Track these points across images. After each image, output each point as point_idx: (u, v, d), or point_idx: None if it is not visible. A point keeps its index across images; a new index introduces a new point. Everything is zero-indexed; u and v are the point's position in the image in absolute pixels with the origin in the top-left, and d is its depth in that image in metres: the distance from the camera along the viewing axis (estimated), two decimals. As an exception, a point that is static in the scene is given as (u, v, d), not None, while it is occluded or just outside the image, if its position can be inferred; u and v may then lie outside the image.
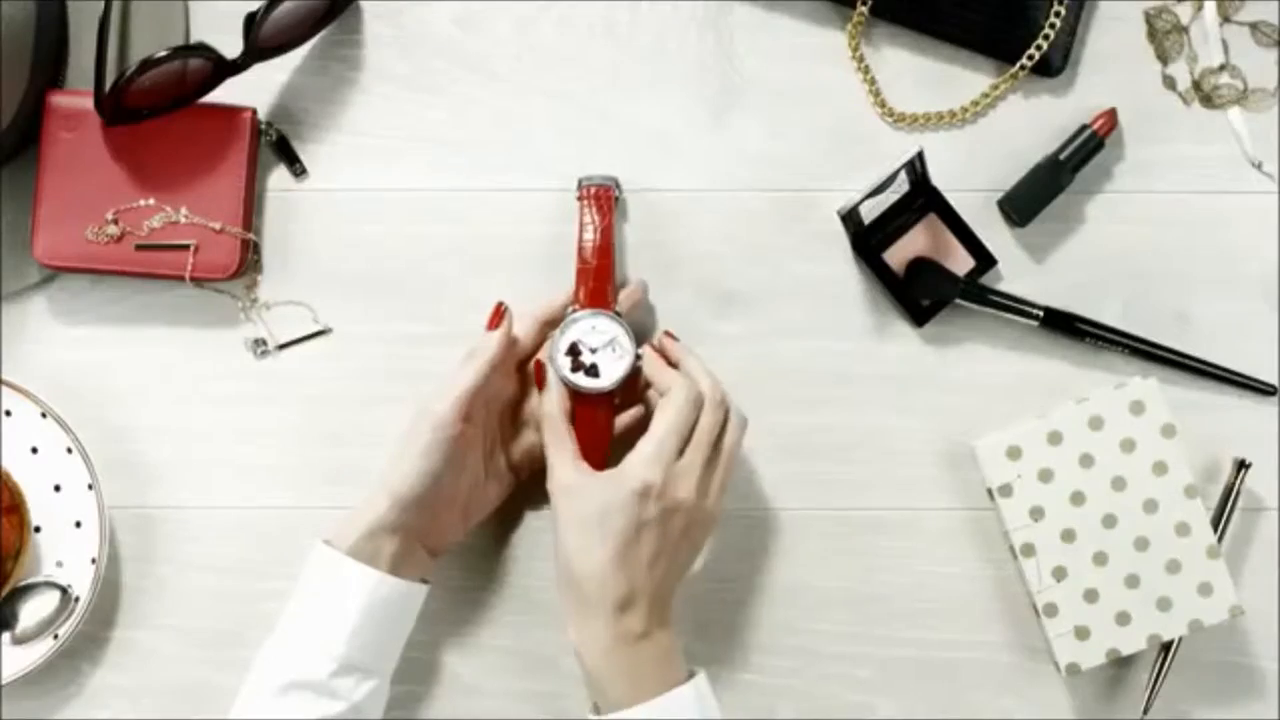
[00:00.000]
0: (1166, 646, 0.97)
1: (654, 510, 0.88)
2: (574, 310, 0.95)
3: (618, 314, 0.96)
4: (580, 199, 0.97)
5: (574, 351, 0.95)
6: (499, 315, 0.94)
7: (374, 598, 0.89)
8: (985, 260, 0.99)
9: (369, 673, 0.89)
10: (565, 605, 0.90)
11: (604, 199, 0.97)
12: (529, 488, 0.99)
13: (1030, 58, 0.99)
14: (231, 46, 0.95)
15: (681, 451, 0.90)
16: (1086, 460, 0.95)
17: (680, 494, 0.89)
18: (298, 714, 0.87)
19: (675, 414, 0.90)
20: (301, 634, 0.89)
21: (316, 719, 0.87)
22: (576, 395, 0.94)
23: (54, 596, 0.97)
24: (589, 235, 0.96)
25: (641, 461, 0.88)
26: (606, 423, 0.95)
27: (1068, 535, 0.95)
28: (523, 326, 0.96)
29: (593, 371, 0.95)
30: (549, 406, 0.93)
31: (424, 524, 0.91)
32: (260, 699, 0.88)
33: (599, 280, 0.95)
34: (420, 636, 0.94)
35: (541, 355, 0.96)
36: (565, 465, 0.91)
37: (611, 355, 0.94)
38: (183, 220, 0.98)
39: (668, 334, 0.96)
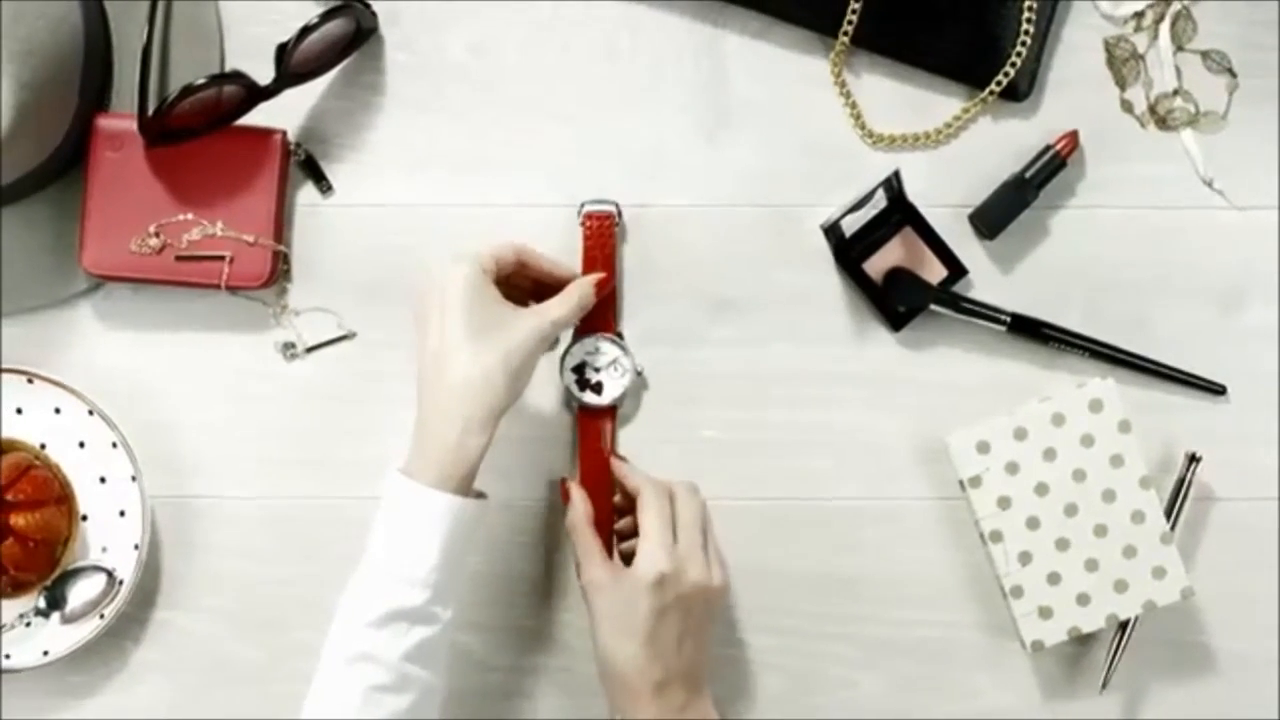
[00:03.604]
0: (1123, 625, 0.98)
1: (671, 596, 0.91)
2: (576, 332, 0.99)
3: (619, 335, 0.99)
4: (583, 224, 1.00)
5: (580, 371, 1.00)
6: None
7: (458, 523, 0.89)
8: (957, 270, 1.01)
9: (451, 596, 0.90)
10: (609, 692, 0.93)
11: (605, 226, 0.99)
12: (533, 486, 1.02)
13: (999, 83, 1.00)
14: (264, 73, 0.97)
15: (675, 539, 0.93)
16: (1050, 454, 0.97)
17: (693, 575, 0.92)
18: (400, 641, 0.87)
19: (656, 510, 0.94)
20: (392, 567, 0.88)
21: (417, 641, 0.87)
22: (582, 409, 1.00)
23: (100, 579, 1.00)
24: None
25: (649, 556, 0.92)
26: (608, 434, 1.00)
27: (1032, 523, 0.97)
28: (531, 256, 0.97)
29: (597, 389, 0.99)
30: (574, 516, 0.96)
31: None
32: (357, 631, 0.87)
33: (602, 305, 0.98)
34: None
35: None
36: (594, 565, 0.94)
37: (614, 374, 0.99)
38: (219, 233, 0.99)
39: (615, 455, 1.00)
